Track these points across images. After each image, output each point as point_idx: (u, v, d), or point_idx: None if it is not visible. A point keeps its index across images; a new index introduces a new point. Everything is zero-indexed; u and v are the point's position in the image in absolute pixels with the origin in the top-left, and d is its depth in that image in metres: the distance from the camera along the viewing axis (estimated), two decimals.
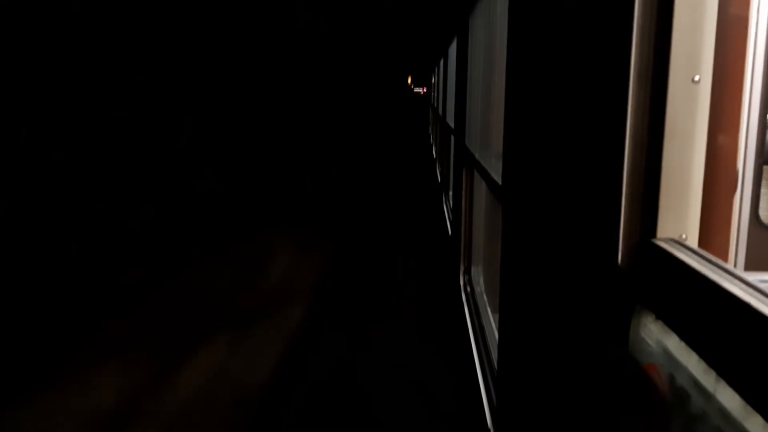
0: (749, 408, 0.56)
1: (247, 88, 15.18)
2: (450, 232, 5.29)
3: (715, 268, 0.65)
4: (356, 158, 14.82)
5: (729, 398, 0.60)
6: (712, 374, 0.63)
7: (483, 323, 3.00)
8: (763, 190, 1.58)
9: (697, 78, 0.78)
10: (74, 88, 8.74)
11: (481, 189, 3.52)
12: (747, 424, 0.57)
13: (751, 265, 1.53)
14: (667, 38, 0.77)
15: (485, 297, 3.38)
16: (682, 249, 0.73)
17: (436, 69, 12.65)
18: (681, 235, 0.80)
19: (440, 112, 10.04)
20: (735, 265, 1.46)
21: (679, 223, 0.80)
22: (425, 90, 27.47)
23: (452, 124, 5.61)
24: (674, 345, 0.71)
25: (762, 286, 0.58)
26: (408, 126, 23.38)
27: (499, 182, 2.01)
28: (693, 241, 0.80)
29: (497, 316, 2.73)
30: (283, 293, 4.89)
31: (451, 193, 5.96)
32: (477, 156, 3.22)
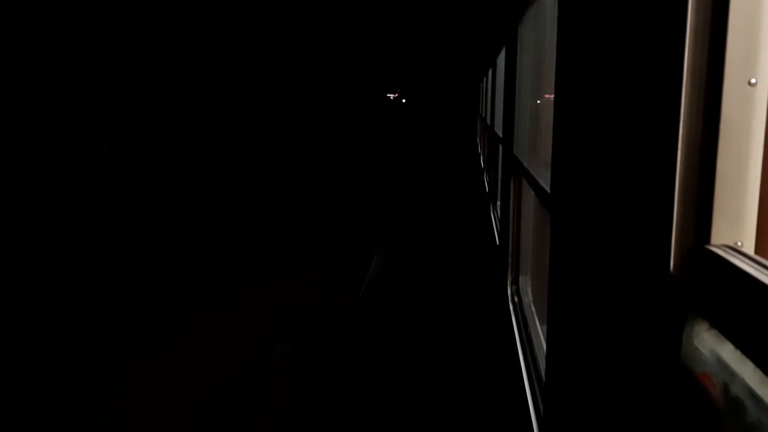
0: None
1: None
2: (498, 242, 5.24)
3: None
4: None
5: None
6: None
7: (531, 334, 2.96)
8: None
9: (753, 81, 0.76)
10: None
11: (529, 197, 3.48)
12: None
13: None
14: (722, 40, 0.76)
15: (533, 307, 3.34)
16: (738, 255, 0.71)
17: (484, 79, 12.59)
18: (736, 242, 0.77)
19: (488, 121, 9.98)
20: None
21: (735, 229, 0.78)
22: (397, 95, 27.10)
23: (500, 134, 5.58)
24: (729, 354, 0.69)
25: None
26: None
27: (548, 190, 1.99)
28: (749, 248, 0.78)
29: (545, 327, 2.69)
30: None
31: (498, 202, 5.91)
32: (526, 164, 3.19)
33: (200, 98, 12.70)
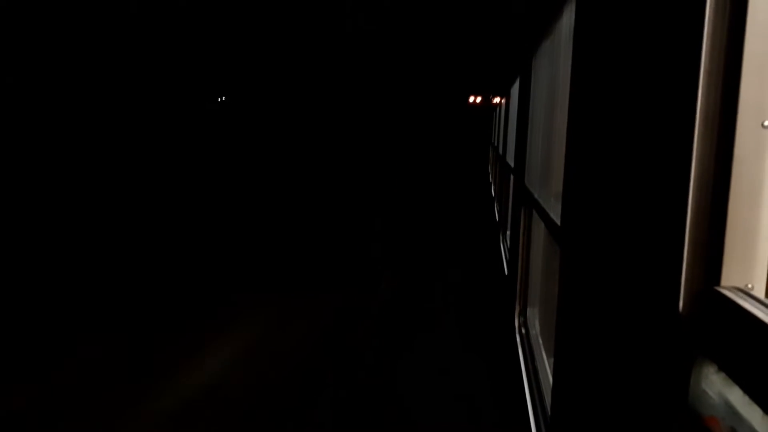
0: None
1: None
2: (506, 272, 5.22)
3: None
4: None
5: None
6: None
7: (537, 366, 2.93)
8: None
9: (767, 123, 0.76)
10: None
11: (539, 229, 3.47)
12: None
13: None
14: (735, 82, 0.76)
15: (540, 340, 3.31)
16: (748, 298, 0.70)
17: (498, 108, 12.66)
18: (747, 284, 0.77)
19: (500, 151, 10.01)
20: None
21: (745, 271, 0.77)
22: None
23: (512, 164, 5.59)
24: (737, 398, 0.68)
25: None
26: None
27: (559, 223, 1.98)
28: (760, 291, 0.77)
29: (552, 360, 2.67)
30: None
31: (508, 232, 5.90)
32: (536, 196, 3.19)
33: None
